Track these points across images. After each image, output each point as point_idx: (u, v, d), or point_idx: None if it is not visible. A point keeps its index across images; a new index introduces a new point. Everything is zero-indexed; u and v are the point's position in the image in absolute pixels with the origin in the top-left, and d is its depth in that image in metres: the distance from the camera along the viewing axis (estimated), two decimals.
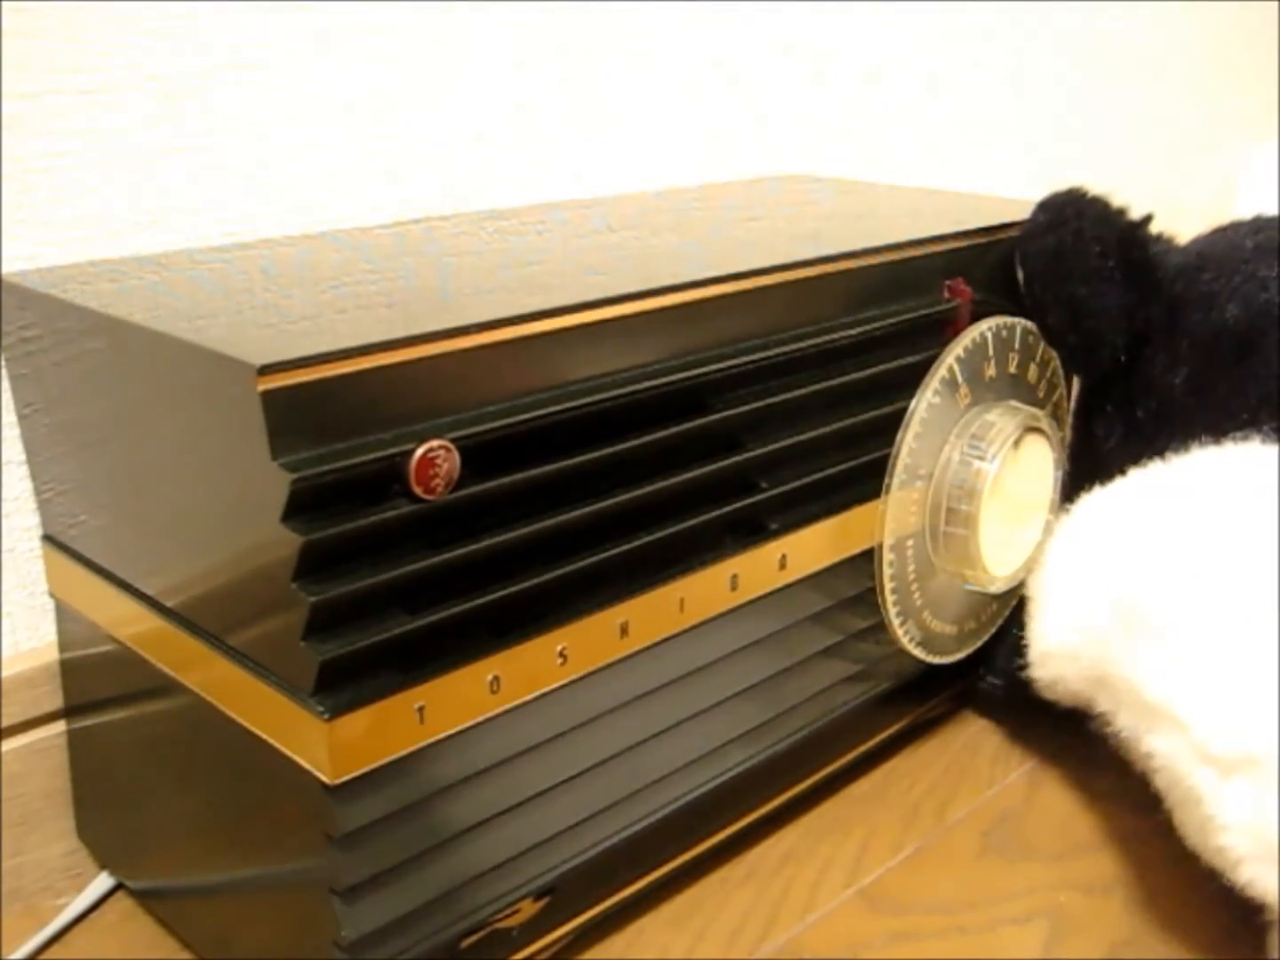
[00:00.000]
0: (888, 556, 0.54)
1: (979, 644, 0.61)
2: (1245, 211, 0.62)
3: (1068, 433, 0.64)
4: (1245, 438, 0.54)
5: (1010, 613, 0.62)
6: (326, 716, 0.37)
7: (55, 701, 0.52)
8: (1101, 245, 0.55)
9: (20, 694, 0.52)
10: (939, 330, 0.55)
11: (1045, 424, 0.56)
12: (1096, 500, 0.56)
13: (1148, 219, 0.58)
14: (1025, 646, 0.57)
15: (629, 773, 0.48)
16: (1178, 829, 0.50)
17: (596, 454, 0.43)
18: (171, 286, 0.44)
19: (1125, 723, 0.51)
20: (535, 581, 0.42)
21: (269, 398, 0.35)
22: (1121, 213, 0.57)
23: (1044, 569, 0.56)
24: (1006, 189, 0.98)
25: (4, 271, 0.49)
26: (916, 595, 0.56)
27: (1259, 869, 0.44)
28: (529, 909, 0.46)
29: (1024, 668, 0.58)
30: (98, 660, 0.49)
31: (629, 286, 0.44)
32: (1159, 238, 0.59)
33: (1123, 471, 0.57)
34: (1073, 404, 0.62)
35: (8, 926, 0.52)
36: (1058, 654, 0.55)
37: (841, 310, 0.51)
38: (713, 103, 0.75)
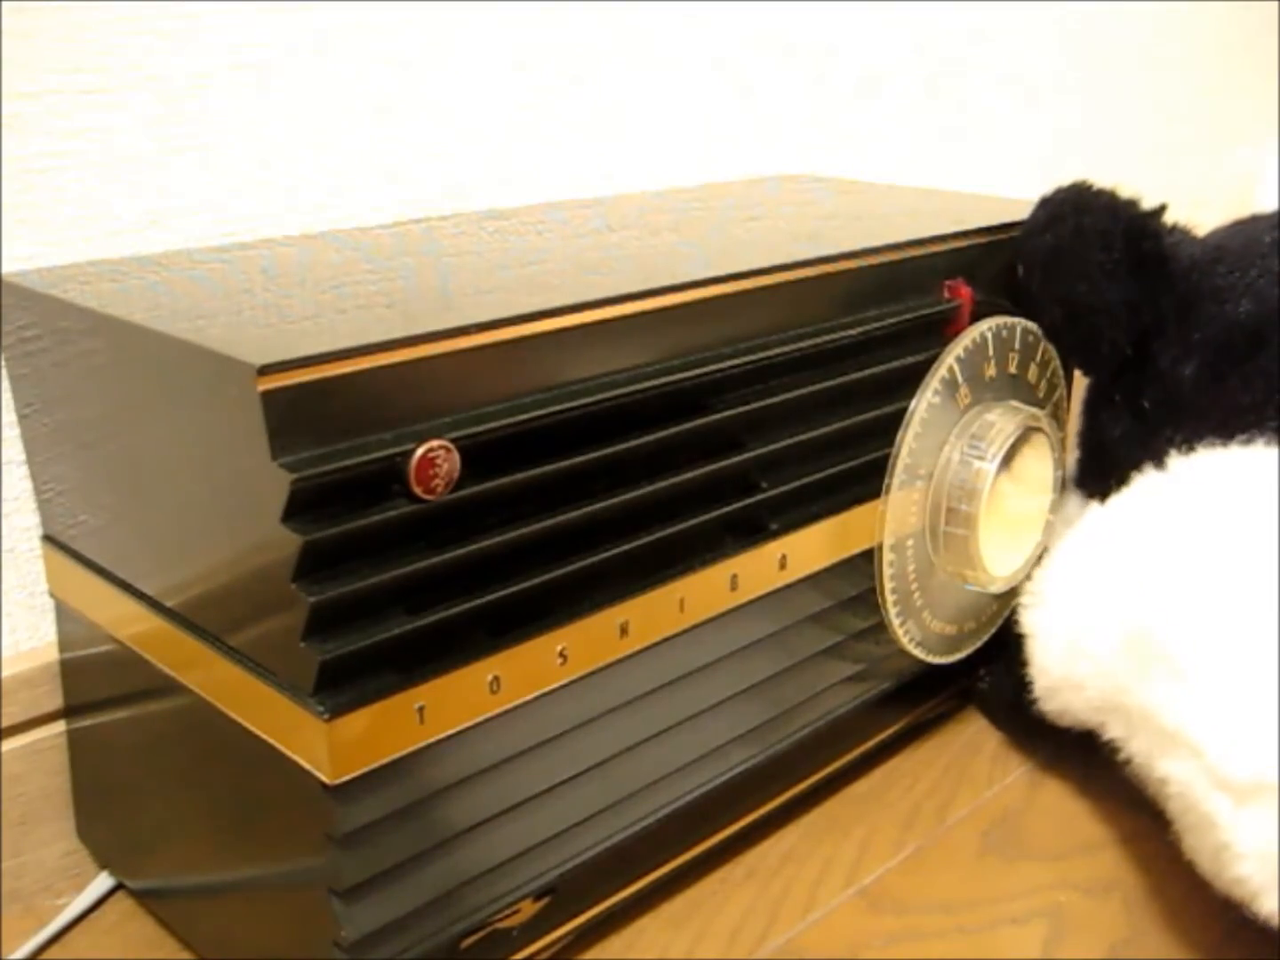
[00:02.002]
0: (888, 556, 0.54)
1: (979, 644, 0.61)
2: (1266, 206, 0.61)
3: (1073, 424, 0.63)
4: (1250, 436, 0.53)
5: (1011, 637, 0.61)
6: (326, 716, 0.37)
7: (55, 701, 0.52)
8: (1105, 239, 0.55)
9: (20, 694, 0.52)
10: (939, 330, 0.55)
11: (1045, 424, 0.56)
12: (1094, 526, 0.56)
13: (1161, 209, 0.57)
14: (1029, 681, 0.57)
15: (629, 773, 0.48)
16: (1189, 855, 0.49)
17: (596, 454, 0.43)
18: (171, 286, 0.44)
19: (1138, 749, 0.50)
20: (535, 581, 0.42)
21: (269, 398, 0.35)
22: (1132, 204, 0.56)
23: (1043, 599, 0.56)
24: (1007, 189, 0.98)
25: (4, 271, 0.49)
26: (916, 595, 0.56)
27: (1278, 900, 0.43)
28: (529, 909, 0.46)
29: (1032, 702, 0.57)
30: (98, 660, 0.49)
31: (629, 286, 0.44)
32: (1173, 229, 0.59)
33: (1129, 461, 0.56)
34: (1083, 391, 0.62)
35: (8, 926, 0.52)
36: (1065, 685, 0.54)
37: (841, 310, 0.51)
38: (713, 103, 0.75)
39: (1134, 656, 0.49)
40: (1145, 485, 0.54)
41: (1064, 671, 0.54)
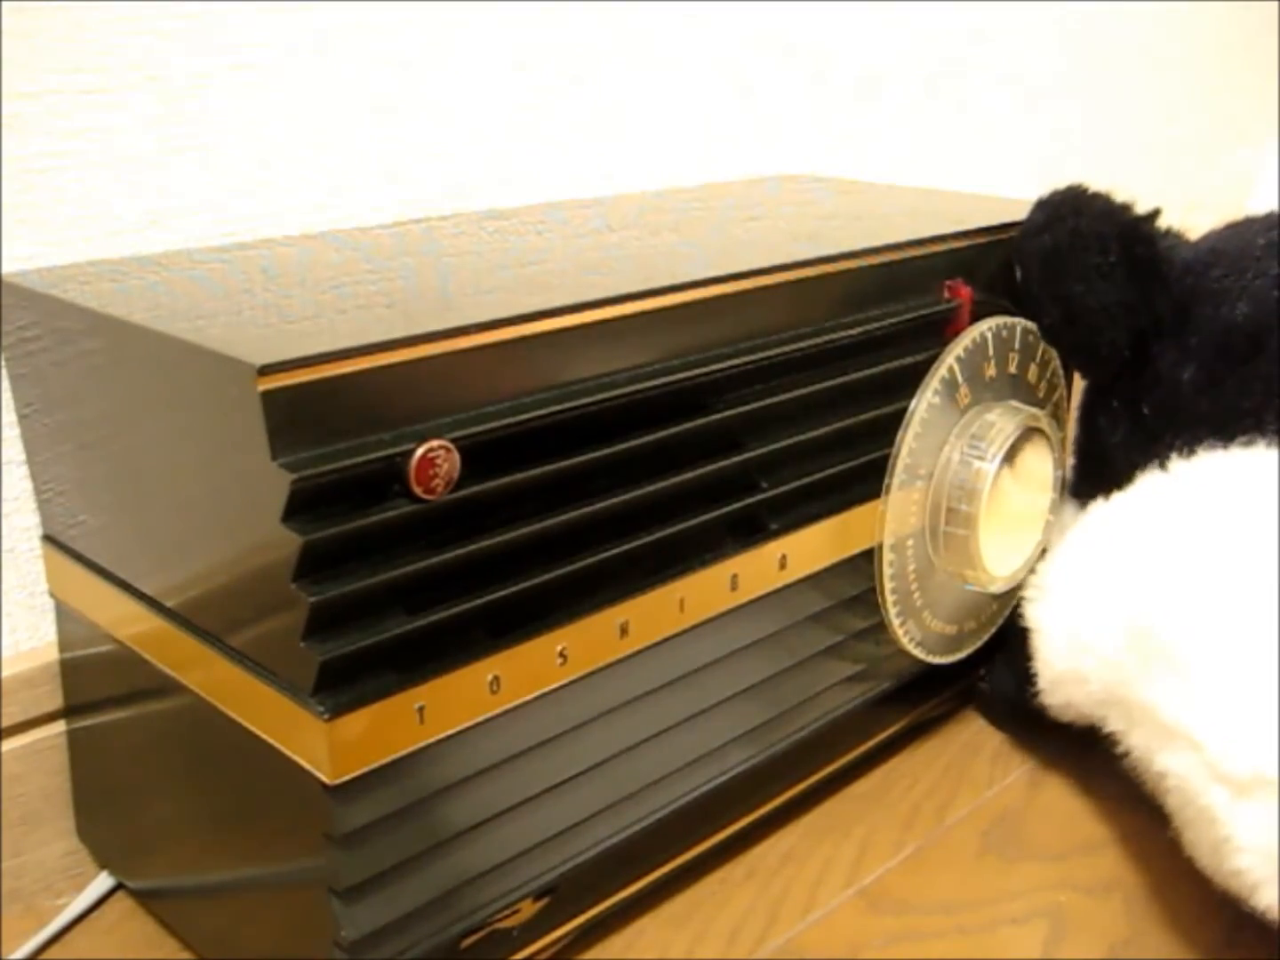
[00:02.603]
0: (888, 556, 0.54)
1: (979, 644, 0.61)
2: (1261, 207, 0.61)
3: (1070, 429, 0.63)
4: (1250, 439, 0.53)
5: (1012, 632, 0.61)
6: (326, 716, 0.37)
7: (55, 701, 0.52)
8: (1101, 241, 0.55)
9: (20, 694, 0.52)
10: (939, 330, 0.55)
11: (1045, 424, 0.56)
12: (1098, 521, 0.56)
13: (1155, 214, 0.57)
14: (1033, 675, 0.57)
15: (629, 773, 0.48)
16: (1188, 849, 0.49)
17: (596, 454, 0.43)
18: (171, 286, 0.44)
19: (1137, 742, 0.51)
20: (535, 581, 0.42)
21: (269, 398, 0.35)
22: (1126, 208, 0.56)
23: (1047, 593, 0.56)
24: (1007, 189, 0.98)
25: (4, 271, 0.49)
26: (916, 595, 0.56)
27: (1277, 893, 0.43)
28: (529, 909, 0.46)
29: (1035, 695, 0.57)
30: (98, 660, 0.49)
31: (629, 286, 0.44)
32: (1167, 233, 0.59)
33: (1127, 466, 0.56)
34: (1080, 396, 0.62)
35: (8, 926, 0.52)
36: (1068, 679, 0.55)
37: (841, 310, 0.51)
38: (713, 103, 0.75)
39: (1135, 651, 0.49)
40: (1148, 484, 0.55)
41: (1067, 665, 0.54)
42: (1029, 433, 0.55)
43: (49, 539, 0.50)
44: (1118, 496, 0.56)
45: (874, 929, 0.51)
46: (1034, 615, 0.57)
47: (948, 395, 0.54)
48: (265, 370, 0.35)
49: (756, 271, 0.47)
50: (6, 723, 0.51)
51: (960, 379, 0.55)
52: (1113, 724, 0.53)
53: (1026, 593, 0.58)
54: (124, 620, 0.46)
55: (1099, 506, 0.56)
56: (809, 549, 0.51)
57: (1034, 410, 0.56)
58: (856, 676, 0.56)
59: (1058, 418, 0.61)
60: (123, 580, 0.46)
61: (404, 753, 0.40)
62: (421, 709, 0.40)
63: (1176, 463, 0.54)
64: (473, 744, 0.42)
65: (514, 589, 0.41)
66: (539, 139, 0.67)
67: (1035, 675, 0.57)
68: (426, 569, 0.39)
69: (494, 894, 0.44)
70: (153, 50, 0.52)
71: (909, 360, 0.53)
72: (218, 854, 0.45)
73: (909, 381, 0.53)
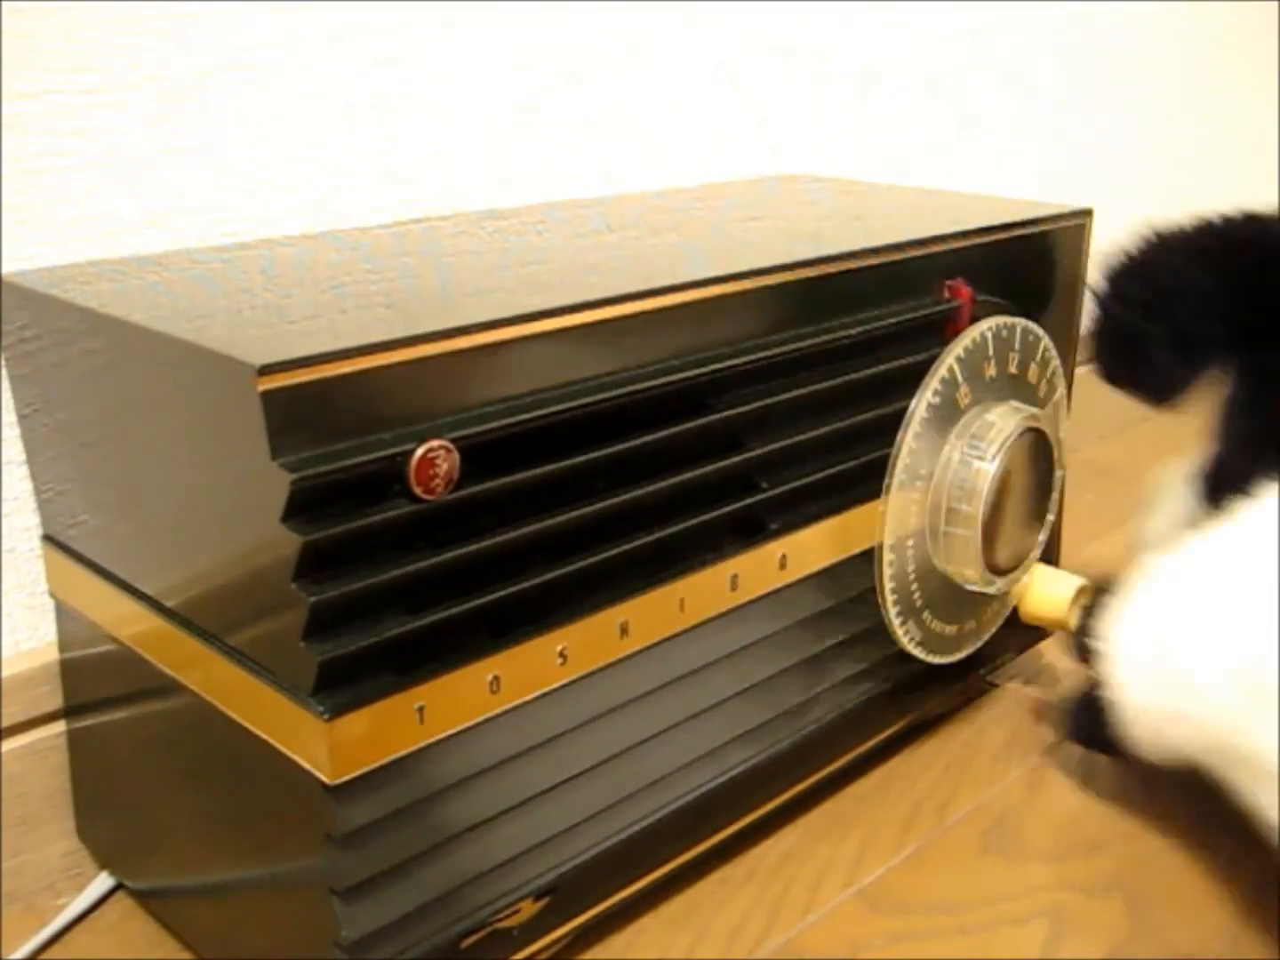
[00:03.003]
0: (888, 556, 0.54)
1: (979, 644, 0.61)
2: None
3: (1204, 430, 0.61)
4: None
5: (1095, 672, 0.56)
6: (326, 716, 0.37)
7: (55, 701, 0.52)
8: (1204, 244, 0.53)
9: (20, 694, 0.52)
10: (939, 330, 0.55)
11: (1045, 424, 0.56)
12: (1191, 554, 0.52)
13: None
14: (1107, 707, 0.53)
15: (629, 773, 0.48)
16: None
17: (596, 454, 0.43)
18: (171, 286, 0.44)
19: (1253, 791, 0.47)
20: (535, 581, 0.42)
21: (269, 398, 0.35)
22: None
23: (1130, 622, 0.52)
24: (1007, 189, 0.98)
25: (4, 271, 0.49)
26: (916, 595, 0.56)
27: None
28: (529, 909, 0.46)
29: (1113, 729, 0.53)
30: (98, 660, 0.49)
31: (629, 286, 0.44)
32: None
33: (1238, 478, 0.53)
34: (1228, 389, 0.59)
35: (8, 926, 0.52)
36: (1157, 713, 0.51)
37: (841, 310, 0.51)
38: (713, 103, 0.75)
39: (1245, 697, 0.46)
40: (1242, 515, 0.51)
41: (1162, 704, 0.50)
42: (1029, 433, 0.55)
43: (49, 539, 0.50)
44: (1214, 527, 0.52)
45: (874, 929, 0.51)
46: (1123, 650, 0.53)
47: (948, 395, 0.54)
48: (265, 370, 0.35)
49: (756, 271, 0.47)
50: (6, 723, 0.51)
51: (960, 379, 0.55)
52: (1224, 773, 0.49)
53: (1112, 628, 0.53)
54: (124, 620, 0.46)
55: (1192, 539, 0.52)
56: (809, 549, 0.51)
57: (1034, 410, 0.56)
58: (856, 676, 0.56)
59: (1058, 417, 0.61)
60: (123, 580, 0.46)
61: (404, 753, 0.40)
62: (421, 709, 0.40)
63: (1267, 489, 0.50)
64: (473, 744, 0.42)
65: (514, 589, 0.41)
66: (539, 139, 0.67)
67: (1118, 711, 0.53)
68: (426, 569, 0.39)
69: (494, 894, 0.44)
70: (153, 50, 0.52)
71: (909, 360, 0.53)
72: (218, 854, 0.45)
73: (909, 381, 0.53)
